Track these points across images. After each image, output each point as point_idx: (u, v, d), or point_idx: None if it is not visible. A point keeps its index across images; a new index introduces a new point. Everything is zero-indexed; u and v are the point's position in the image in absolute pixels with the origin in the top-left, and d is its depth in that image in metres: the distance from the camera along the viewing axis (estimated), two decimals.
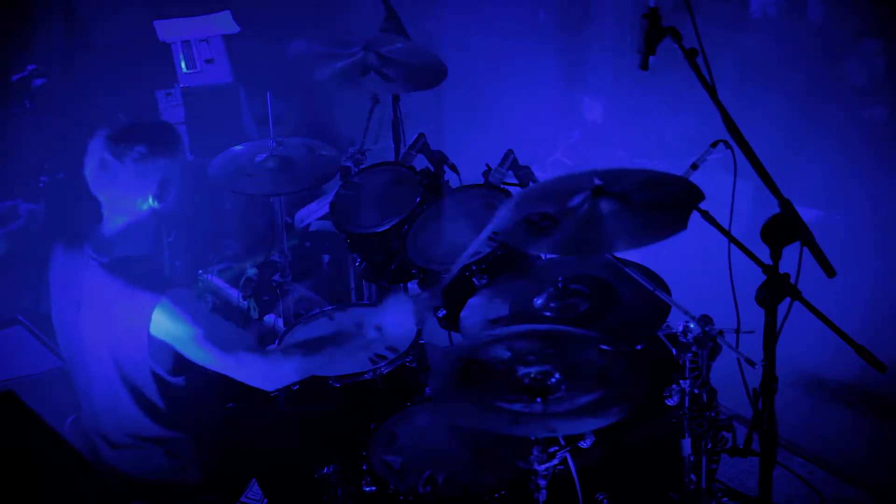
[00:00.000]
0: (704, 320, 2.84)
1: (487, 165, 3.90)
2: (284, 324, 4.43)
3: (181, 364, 3.07)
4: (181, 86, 5.62)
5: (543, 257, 3.73)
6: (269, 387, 3.08)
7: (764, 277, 2.70)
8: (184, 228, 3.36)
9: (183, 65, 5.59)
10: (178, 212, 3.19)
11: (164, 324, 2.98)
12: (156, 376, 3.07)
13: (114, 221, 3.11)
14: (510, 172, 3.86)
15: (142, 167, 3.05)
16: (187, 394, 3.15)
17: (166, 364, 3.07)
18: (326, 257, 4.96)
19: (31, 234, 4.12)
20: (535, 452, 2.83)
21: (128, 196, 3.08)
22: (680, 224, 2.78)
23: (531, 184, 3.83)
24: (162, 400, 3.12)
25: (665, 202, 2.92)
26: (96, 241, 3.11)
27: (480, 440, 3.14)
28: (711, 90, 2.73)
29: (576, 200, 2.98)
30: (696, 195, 2.88)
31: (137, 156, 3.03)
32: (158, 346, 3.02)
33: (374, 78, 4.14)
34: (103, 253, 3.07)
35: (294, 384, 3.51)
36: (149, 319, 2.97)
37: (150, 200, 3.08)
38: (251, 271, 4.71)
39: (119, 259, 3.06)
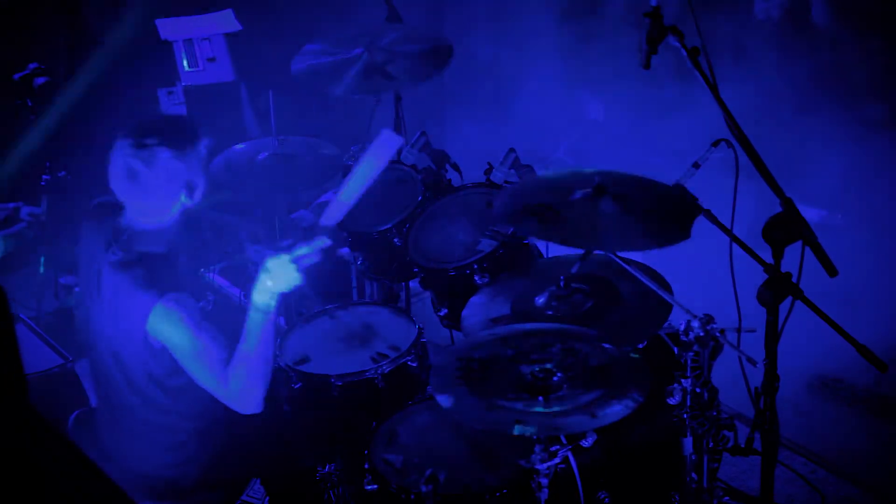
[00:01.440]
0: (706, 319, 2.84)
1: (489, 164, 3.90)
2: (286, 322, 4.43)
3: (179, 367, 3.08)
4: (183, 84, 5.62)
5: (545, 255, 3.74)
6: (244, 410, 3.07)
7: (766, 276, 2.70)
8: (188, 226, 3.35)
9: (185, 63, 5.59)
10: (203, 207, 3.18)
11: (161, 328, 2.99)
12: (153, 378, 3.08)
13: (139, 222, 3.10)
14: (512, 171, 3.86)
15: (171, 170, 3.03)
16: (186, 392, 3.16)
17: (165, 365, 3.07)
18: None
19: (32, 235, 4.12)
20: (537, 451, 2.83)
21: (161, 202, 3.07)
22: (682, 233, 2.79)
23: None
24: (163, 395, 3.12)
25: (664, 210, 2.93)
26: (117, 235, 3.11)
27: (482, 439, 3.14)
28: (714, 88, 2.73)
29: (577, 195, 2.99)
30: (693, 209, 2.89)
31: (165, 160, 3.01)
32: (157, 347, 3.03)
33: (377, 80, 4.14)
34: (121, 249, 3.07)
35: (296, 383, 3.51)
36: (145, 320, 2.98)
37: (183, 199, 3.07)
38: (252, 269, 4.70)
39: (135, 256, 3.06)
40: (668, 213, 2.97)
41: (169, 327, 2.98)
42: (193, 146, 3.07)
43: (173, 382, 3.11)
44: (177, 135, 3.06)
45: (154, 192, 3.04)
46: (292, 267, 2.99)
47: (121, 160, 3.02)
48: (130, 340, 3.03)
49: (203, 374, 3.02)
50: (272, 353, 3.08)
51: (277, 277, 2.99)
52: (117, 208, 3.13)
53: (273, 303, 3.01)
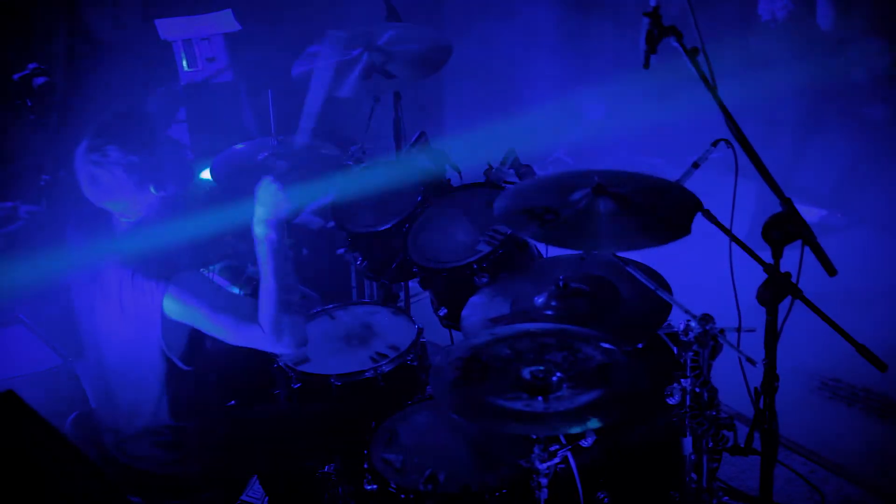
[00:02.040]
0: (705, 319, 2.84)
1: (489, 164, 3.90)
2: None
3: (193, 351, 3.10)
4: (183, 84, 5.62)
5: (544, 255, 3.74)
6: (289, 348, 3.07)
7: (765, 276, 2.70)
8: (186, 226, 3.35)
9: (184, 63, 5.59)
10: (185, 195, 3.17)
11: (177, 308, 2.99)
12: (169, 363, 3.08)
13: (127, 218, 3.11)
14: (512, 171, 3.86)
15: (125, 166, 3.01)
16: (195, 387, 3.16)
17: (179, 350, 3.08)
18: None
19: (31, 234, 4.12)
20: (537, 451, 2.83)
21: (130, 197, 3.07)
22: (682, 230, 2.79)
23: None
24: (170, 393, 3.13)
25: (665, 207, 2.93)
26: (111, 238, 3.11)
27: (482, 439, 3.14)
28: (713, 89, 2.73)
29: (576, 196, 2.98)
30: (693, 205, 2.89)
31: (115, 158, 3.00)
32: (172, 332, 3.03)
33: (377, 80, 4.14)
34: (118, 248, 3.07)
35: (295, 383, 3.51)
36: (160, 307, 2.99)
37: (153, 190, 3.07)
38: (251, 269, 4.70)
39: (133, 251, 3.06)
40: (668, 209, 2.97)
41: (189, 301, 2.99)
42: (146, 137, 3.06)
43: (184, 370, 3.11)
44: (124, 129, 3.05)
45: (117, 190, 3.03)
46: (275, 188, 2.99)
47: (81, 167, 3.04)
48: (143, 332, 3.03)
49: (233, 335, 3.02)
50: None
51: (266, 203, 3.00)
52: (99, 214, 3.13)
53: (270, 231, 3.00)
